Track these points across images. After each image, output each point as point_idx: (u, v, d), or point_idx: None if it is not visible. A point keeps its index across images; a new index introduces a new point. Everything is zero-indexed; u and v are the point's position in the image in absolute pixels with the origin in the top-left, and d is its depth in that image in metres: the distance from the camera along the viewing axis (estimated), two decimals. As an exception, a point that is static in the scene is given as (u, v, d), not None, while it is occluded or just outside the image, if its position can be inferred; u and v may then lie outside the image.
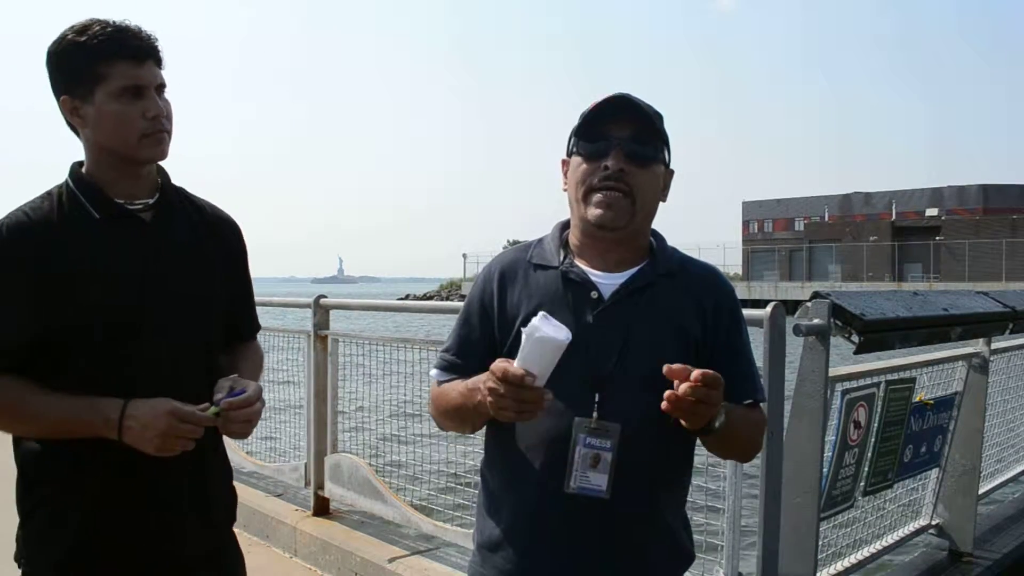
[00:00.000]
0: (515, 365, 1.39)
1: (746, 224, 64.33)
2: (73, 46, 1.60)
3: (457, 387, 1.62)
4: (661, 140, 1.62)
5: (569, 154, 1.64)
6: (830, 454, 2.78)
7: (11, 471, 1.69)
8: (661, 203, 1.67)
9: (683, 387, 1.36)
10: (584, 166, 1.59)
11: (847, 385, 2.85)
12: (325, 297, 4.64)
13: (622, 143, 1.56)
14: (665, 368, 1.39)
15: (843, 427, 2.81)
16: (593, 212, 1.57)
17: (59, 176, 1.71)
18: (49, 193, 1.67)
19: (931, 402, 3.41)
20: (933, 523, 3.71)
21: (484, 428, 1.70)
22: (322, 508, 4.54)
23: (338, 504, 4.54)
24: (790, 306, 2.79)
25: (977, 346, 3.71)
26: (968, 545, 3.68)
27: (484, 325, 1.66)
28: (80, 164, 1.70)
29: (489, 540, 1.64)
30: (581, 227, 1.63)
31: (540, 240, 1.70)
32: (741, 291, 45.53)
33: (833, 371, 2.68)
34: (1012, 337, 3.86)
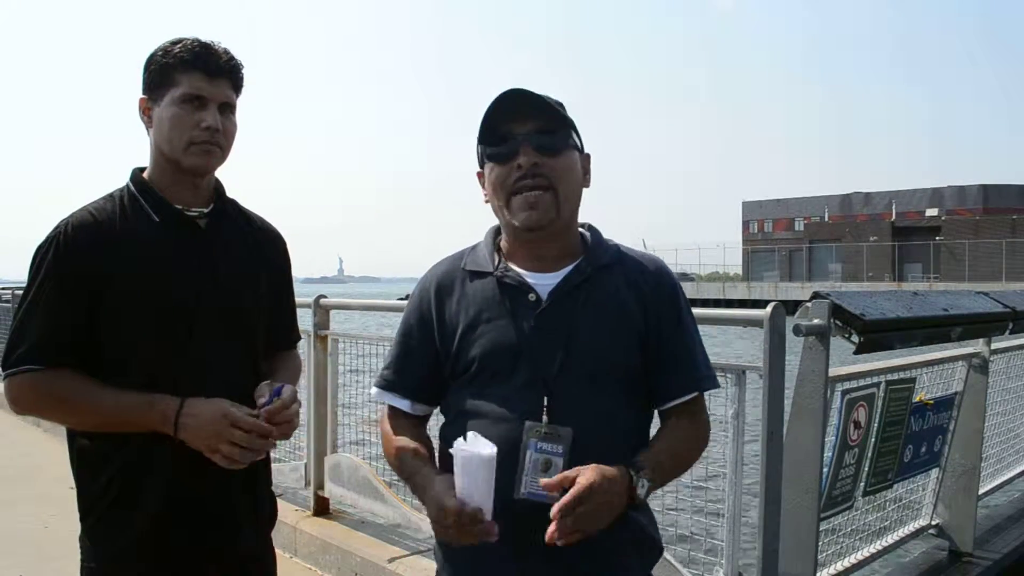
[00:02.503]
0: (456, 496, 1.40)
1: (746, 224, 64.35)
2: (162, 53, 1.71)
3: (405, 459, 1.61)
4: (567, 126, 1.59)
5: (481, 164, 1.63)
6: (830, 454, 2.78)
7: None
8: (585, 189, 1.64)
9: (550, 530, 1.37)
10: (497, 170, 1.57)
11: (847, 385, 2.85)
12: (325, 297, 4.64)
13: (528, 137, 1.54)
14: (543, 482, 1.42)
15: (843, 427, 2.80)
16: (520, 216, 1.55)
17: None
18: (111, 195, 1.75)
19: (931, 402, 3.41)
20: (933, 523, 3.71)
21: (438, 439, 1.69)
22: (322, 508, 4.54)
23: (338, 504, 4.54)
24: (790, 306, 2.79)
25: (977, 346, 3.71)
26: (968, 545, 3.69)
27: (424, 339, 1.64)
28: (141, 170, 1.78)
29: (446, 546, 1.59)
30: (511, 232, 1.61)
31: (474, 247, 1.68)
32: (741, 291, 45.69)
33: (833, 371, 2.68)
34: (1012, 337, 3.86)
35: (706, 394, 1.68)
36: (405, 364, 1.67)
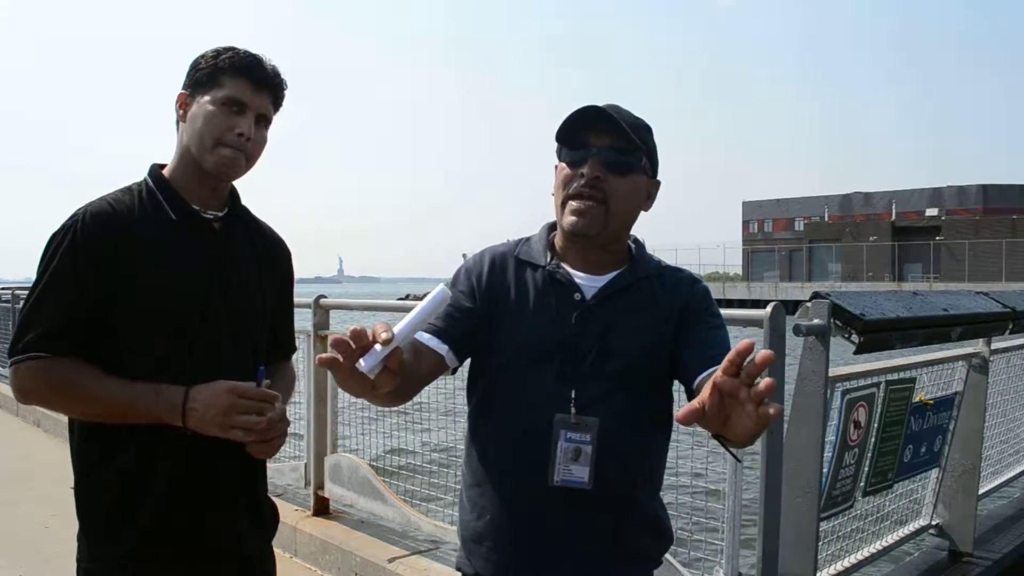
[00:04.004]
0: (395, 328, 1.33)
1: (746, 224, 64.39)
2: (213, 54, 1.73)
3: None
4: (643, 151, 1.65)
5: (559, 159, 1.69)
6: (830, 454, 2.78)
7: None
8: (644, 212, 1.72)
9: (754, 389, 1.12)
10: (566, 172, 1.65)
11: (847, 385, 2.84)
12: (325, 297, 4.64)
13: (600, 152, 1.61)
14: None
15: (843, 427, 2.80)
16: (568, 219, 1.63)
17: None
18: (130, 188, 1.76)
19: (931, 402, 3.41)
20: (933, 523, 3.71)
21: (468, 425, 1.74)
22: (322, 508, 4.54)
23: (338, 504, 4.54)
24: (790, 306, 2.79)
25: (977, 346, 3.71)
26: (968, 545, 3.68)
27: (471, 305, 1.67)
28: (160, 167, 1.79)
29: (474, 533, 1.67)
30: (561, 232, 1.69)
31: (528, 239, 1.75)
32: (741, 291, 45.73)
33: (833, 371, 2.68)
34: (1012, 337, 3.86)
35: None
36: (451, 319, 1.66)
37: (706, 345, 1.61)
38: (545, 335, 1.62)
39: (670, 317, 1.66)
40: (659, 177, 1.73)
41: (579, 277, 1.66)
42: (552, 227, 1.74)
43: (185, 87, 1.76)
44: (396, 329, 1.29)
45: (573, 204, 1.62)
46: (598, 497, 1.58)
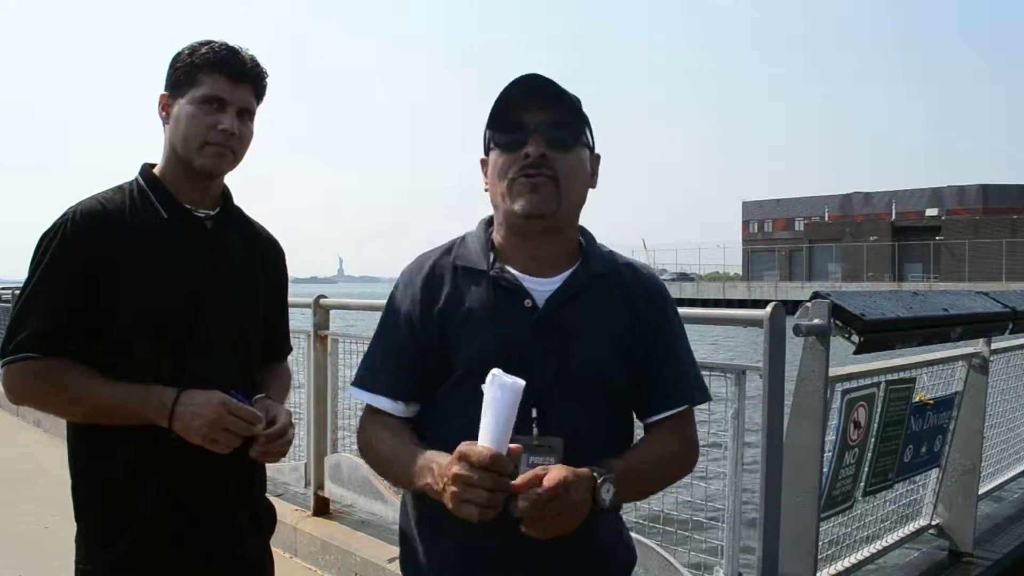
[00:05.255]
0: (480, 442, 1.27)
1: (746, 224, 64.41)
2: (188, 52, 1.71)
3: (402, 457, 1.45)
4: (583, 122, 1.52)
5: (487, 151, 1.55)
6: (830, 454, 2.78)
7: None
8: (591, 190, 1.57)
9: (521, 505, 1.27)
10: (503, 158, 1.49)
11: (847, 385, 2.84)
12: (325, 297, 4.64)
13: (540, 129, 1.46)
14: (515, 484, 1.28)
15: (843, 427, 2.80)
16: (519, 202, 1.46)
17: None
18: (121, 187, 1.75)
19: (931, 402, 3.41)
20: (933, 523, 3.71)
21: None
22: (322, 508, 4.54)
23: (338, 504, 4.54)
24: (790, 306, 2.79)
25: (977, 346, 3.70)
26: (968, 545, 3.68)
27: (408, 335, 1.53)
28: (151, 166, 1.78)
29: (427, 565, 1.53)
30: (507, 224, 1.52)
31: (463, 239, 1.59)
32: (741, 291, 45.70)
33: (833, 371, 2.68)
34: (1012, 337, 3.86)
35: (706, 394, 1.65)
36: (387, 361, 1.55)
37: (664, 382, 1.52)
38: (497, 350, 1.44)
39: (633, 324, 1.52)
40: (598, 152, 1.59)
41: (528, 281, 1.49)
42: (490, 223, 1.58)
43: (165, 88, 1.74)
44: (490, 444, 1.26)
45: (522, 182, 1.46)
46: None
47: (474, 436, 1.31)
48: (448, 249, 1.58)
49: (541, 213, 1.46)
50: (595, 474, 1.35)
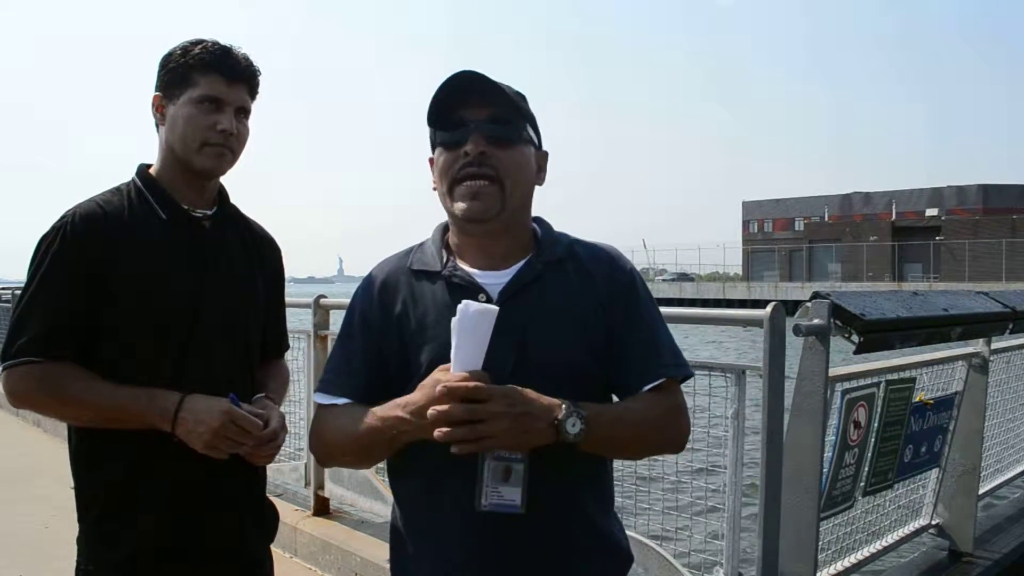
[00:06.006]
0: (453, 370, 1.33)
1: (746, 224, 64.42)
2: (181, 52, 1.71)
3: (361, 418, 1.45)
4: (524, 119, 1.51)
5: (433, 149, 1.54)
6: (830, 454, 2.78)
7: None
8: (538, 187, 1.57)
9: (429, 411, 1.31)
10: (445, 156, 1.49)
11: (847, 385, 2.84)
12: (325, 297, 4.64)
13: (479, 126, 1.46)
14: (438, 388, 1.32)
15: (843, 427, 2.80)
16: (459, 205, 1.47)
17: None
18: (119, 189, 1.75)
19: (931, 402, 3.41)
20: (933, 523, 3.71)
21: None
22: (322, 508, 4.54)
23: (338, 504, 4.54)
24: (790, 306, 2.79)
25: (977, 346, 3.70)
26: (968, 545, 3.68)
27: (367, 342, 1.54)
28: (147, 167, 1.78)
29: (412, 561, 1.51)
30: (455, 224, 1.54)
31: (421, 244, 1.60)
32: (741, 291, 45.69)
33: (833, 371, 2.68)
34: (1012, 337, 3.86)
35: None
36: (349, 366, 1.55)
37: (635, 359, 1.49)
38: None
39: (593, 304, 1.50)
40: (545, 148, 1.59)
41: (480, 276, 1.49)
42: (446, 227, 1.59)
43: (158, 88, 1.74)
44: (453, 369, 1.33)
45: (462, 188, 1.46)
46: (538, 519, 1.40)
47: (432, 443, 1.33)
48: (406, 255, 1.60)
49: (483, 218, 1.47)
50: (564, 404, 1.36)
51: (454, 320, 1.35)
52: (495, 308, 1.36)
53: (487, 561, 1.42)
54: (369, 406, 1.47)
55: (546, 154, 1.59)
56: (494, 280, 1.49)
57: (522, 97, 1.52)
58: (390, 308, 1.53)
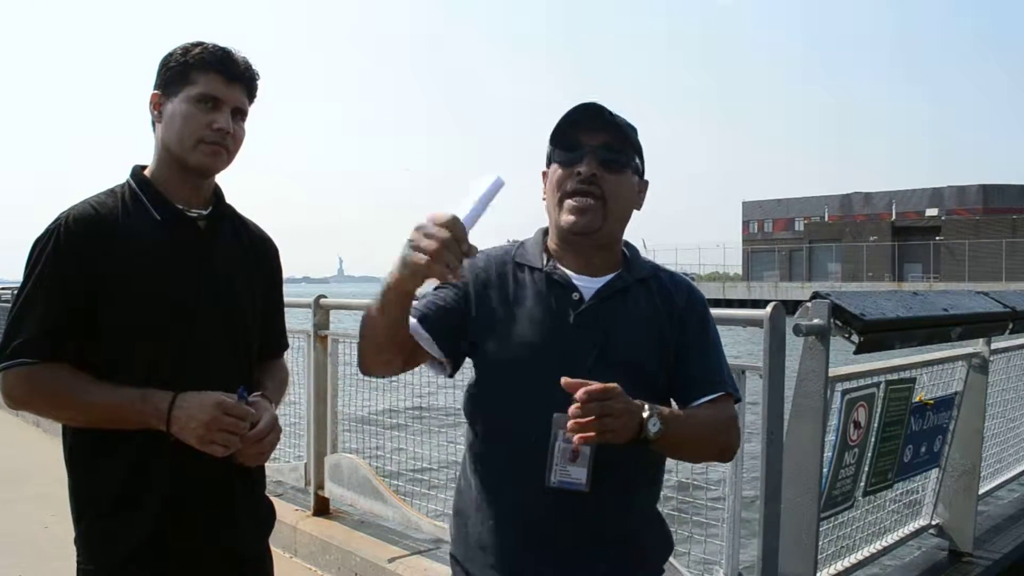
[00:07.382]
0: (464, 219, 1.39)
1: (746, 224, 64.37)
2: (182, 52, 1.72)
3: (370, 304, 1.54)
4: (633, 150, 1.68)
5: (548, 163, 1.70)
6: (830, 454, 2.78)
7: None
8: (636, 211, 1.73)
9: (571, 408, 1.39)
10: (560, 172, 1.66)
11: (847, 385, 2.85)
12: (325, 297, 4.64)
13: (595, 150, 1.63)
14: (563, 381, 1.41)
15: (843, 427, 2.81)
16: (567, 218, 1.63)
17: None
18: (112, 190, 1.75)
19: (931, 402, 3.41)
20: (933, 523, 3.71)
21: (468, 433, 1.71)
22: (322, 508, 4.54)
23: (338, 504, 4.54)
24: (790, 306, 2.79)
25: (977, 346, 3.71)
26: (968, 545, 3.69)
27: (459, 305, 1.65)
28: (142, 168, 1.78)
29: (477, 541, 1.65)
30: (558, 233, 1.69)
31: (522, 243, 1.75)
32: (741, 291, 45.70)
33: (833, 371, 2.68)
34: (1012, 337, 3.86)
35: None
36: (440, 312, 1.62)
37: (697, 376, 1.65)
38: (545, 335, 1.61)
39: (671, 321, 1.67)
40: (647, 177, 1.75)
41: (576, 278, 1.66)
42: (546, 232, 1.74)
43: (157, 87, 1.75)
44: (463, 219, 1.38)
45: (571, 202, 1.63)
46: (599, 499, 1.55)
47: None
48: (509, 249, 1.75)
49: (585, 232, 1.63)
50: (645, 404, 1.48)
51: (484, 180, 1.43)
52: (503, 181, 1.45)
53: (553, 536, 1.59)
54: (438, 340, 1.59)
55: (647, 183, 1.75)
56: (588, 284, 1.66)
57: (634, 130, 1.69)
58: (489, 291, 1.66)
